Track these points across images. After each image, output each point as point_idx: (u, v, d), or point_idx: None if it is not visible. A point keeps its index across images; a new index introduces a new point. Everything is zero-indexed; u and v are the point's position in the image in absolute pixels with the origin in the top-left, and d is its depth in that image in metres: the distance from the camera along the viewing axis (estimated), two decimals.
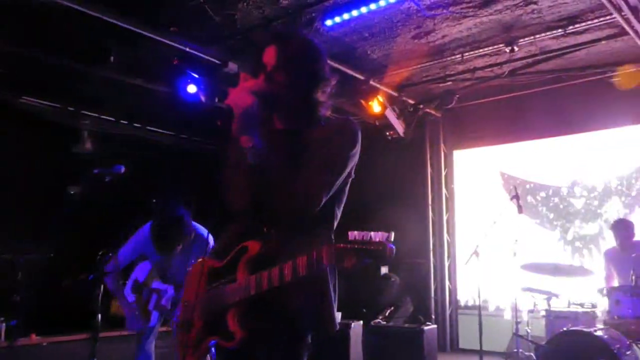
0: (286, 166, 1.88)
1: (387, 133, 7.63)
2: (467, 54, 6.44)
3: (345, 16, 5.15)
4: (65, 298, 7.33)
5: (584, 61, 6.66)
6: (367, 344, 6.07)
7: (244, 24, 5.80)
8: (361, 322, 6.18)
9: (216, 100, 6.23)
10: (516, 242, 5.83)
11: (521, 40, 6.04)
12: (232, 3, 5.44)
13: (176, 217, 3.93)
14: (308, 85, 2.00)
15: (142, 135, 8.43)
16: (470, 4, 5.44)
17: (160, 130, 8.66)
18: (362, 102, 7.17)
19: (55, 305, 6.86)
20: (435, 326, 6.28)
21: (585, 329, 4.66)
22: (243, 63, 5.93)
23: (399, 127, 7.57)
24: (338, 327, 1.93)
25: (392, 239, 1.56)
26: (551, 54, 6.43)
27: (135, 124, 8.30)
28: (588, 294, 5.72)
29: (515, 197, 5.79)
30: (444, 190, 8.58)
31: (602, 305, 5.31)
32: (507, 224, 5.95)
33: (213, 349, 1.95)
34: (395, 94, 7.49)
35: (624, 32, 5.51)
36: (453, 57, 6.55)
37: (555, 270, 5.41)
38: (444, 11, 5.45)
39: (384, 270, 7.65)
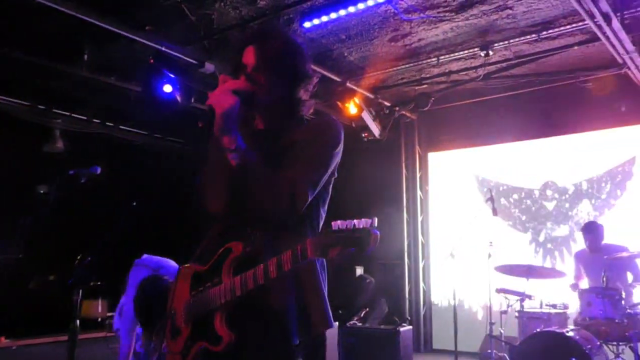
0: (270, 166, 1.85)
1: (363, 135, 7.66)
2: (442, 57, 6.50)
3: (324, 18, 5.15)
4: (35, 300, 7.22)
5: (556, 66, 6.78)
6: (342, 345, 6.07)
7: (220, 24, 5.76)
8: (337, 323, 6.18)
9: (192, 100, 6.18)
10: (491, 244, 5.90)
11: (496, 44, 6.12)
12: (209, 3, 5.41)
13: (156, 298, 3.66)
14: (289, 84, 1.98)
15: (115, 135, 8.32)
16: (447, 8, 5.49)
17: (134, 130, 8.56)
18: (339, 103, 7.19)
19: (24, 307, 6.73)
20: (410, 327, 6.33)
21: (558, 330, 4.73)
22: (220, 63, 5.89)
23: (375, 129, 7.60)
24: (333, 325, 1.90)
25: (376, 225, 1.53)
26: (525, 59, 6.53)
27: (108, 123, 8.19)
28: (560, 295, 5.83)
29: (490, 199, 5.86)
30: (418, 192, 8.65)
31: (574, 306, 5.40)
32: (481, 226, 6.02)
33: None
34: (371, 96, 7.52)
35: (595, 38, 5.62)
36: (429, 60, 6.61)
37: (529, 271, 5.49)
38: (421, 15, 5.49)
39: (359, 271, 7.67)
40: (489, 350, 5.69)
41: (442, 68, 6.94)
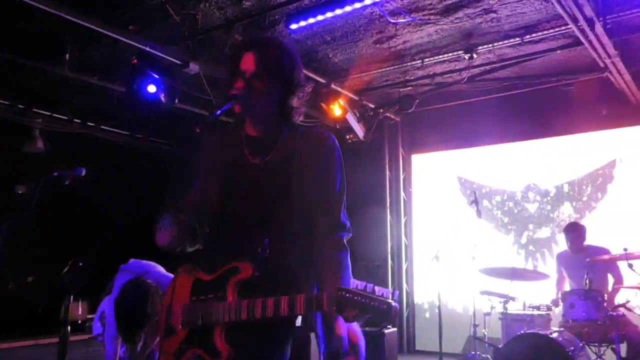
0: (270, 174, 1.90)
1: (347, 136, 7.65)
2: (427, 59, 6.52)
3: (311, 20, 5.13)
4: (13, 301, 7.10)
5: (539, 69, 6.84)
6: None
7: (205, 25, 5.72)
8: None
9: (176, 101, 6.12)
10: (475, 246, 5.93)
11: (480, 47, 6.16)
12: (193, 3, 5.36)
13: (137, 302, 3.62)
14: (285, 91, 2.03)
15: (96, 135, 8.21)
16: (432, 11, 5.51)
17: (116, 130, 8.46)
18: (323, 105, 7.17)
19: (2, 309, 6.61)
20: (395, 329, 6.34)
21: (541, 332, 4.77)
22: (204, 63, 5.84)
23: (359, 130, 7.60)
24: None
25: (397, 297, 1.55)
26: (508, 62, 6.58)
27: (89, 123, 8.08)
28: (542, 297, 5.88)
29: (475, 201, 5.89)
30: (402, 194, 8.67)
31: (557, 308, 5.46)
32: (465, 228, 6.05)
33: None
34: (355, 97, 7.53)
35: (578, 43, 5.67)
36: (413, 63, 6.63)
37: (513, 274, 5.53)
38: (407, 18, 5.50)
39: None
40: (472, 352, 5.71)
41: (426, 70, 6.97)
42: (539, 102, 7.24)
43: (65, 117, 7.78)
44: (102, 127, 8.25)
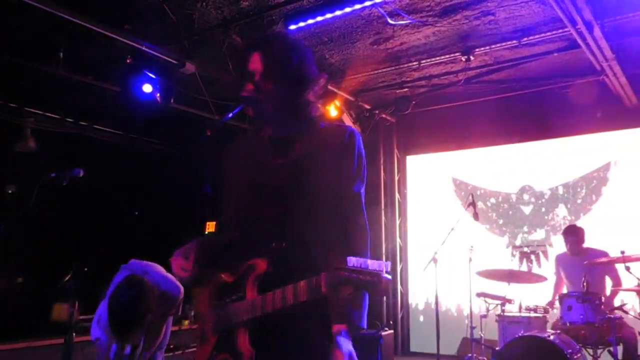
0: (293, 174, 1.87)
1: None
2: (423, 61, 6.51)
3: (310, 21, 5.09)
4: (1, 303, 7.00)
5: (535, 72, 6.86)
6: None
7: (202, 24, 5.67)
8: None
9: (172, 101, 6.07)
10: (471, 248, 5.93)
11: (477, 49, 6.16)
12: (190, 3, 5.31)
13: (131, 299, 3.52)
14: (297, 88, 1.97)
15: (88, 134, 8.13)
16: (430, 13, 5.50)
17: (108, 130, 8.38)
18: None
19: None
20: (392, 331, 6.34)
21: (540, 335, 4.78)
22: (200, 63, 5.80)
23: None
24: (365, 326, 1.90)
25: (389, 269, 1.50)
26: (505, 64, 6.59)
27: (82, 123, 8.00)
28: (537, 298, 5.89)
29: (472, 204, 5.89)
30: (396, 195, 8.66)
31: (554, 310, 5.47)
32: (462, 231, 6.04)
33: None
34: (351, 98, 7.51)
35: (575, 45, 5.69)
36: (410, 64, 6.62)
37: (510, 276, 5.53)
38: (407, 19, 5.47)
39: None
40: (470, 354, 5.71)
41: (422, 72, 6.96)
42: (534, 105, 7.26)
43: (58, 116, 7.69)
44: (95, 126, 8.16)
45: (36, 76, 6.37)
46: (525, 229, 7.48)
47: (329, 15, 4.98)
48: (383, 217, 8.55)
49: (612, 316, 4.79)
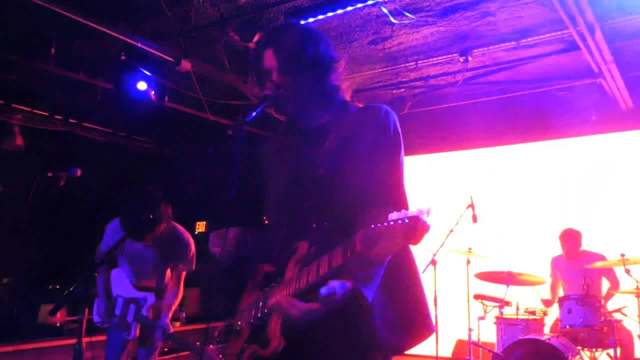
0: (333, 165, 1.80)
1: None
2: (421, 61, 6.46)
3: (310, 19, 5.00)
4: None
5: (532, 74, 6.84)
6: None
7: (198, 21, 5.57)
8: None
9: (166, 99, 5.96)
10: (470, 250, 5.89)
11: (475, 50, 6.12)
12: None
13: (145, 200, 3.83)
14: (317, 74, 1.90)
15: (77, 132, 7.97)
16: (430, 13, 5.45)
17: (98, 128, 8.22)
18: None
19: None
20: None
21: (540, 338, 4.76)
22: (196, 61, 5.69)
23: None
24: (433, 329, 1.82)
25: (429, 214, 1.38)
26: (502, 66, 6.56)
27: (71, 120, 7.83)
28: (533, 300, 5.87)
29: (471, 206, 5.85)
30: None
31: (553, 312, 5.45)
32: (459, 232, 5.99)
33: None
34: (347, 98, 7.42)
35: (573, 47, 5.68)
36: (407, 65, 6.57)
37: (509, 278, 5.50)
38: (407, 18, 5.41)
39: None
40: (468, 357, 5.66)
41: (419, 72, 6.91)
42: (531, 106, 7.24)
43: (46, 114, 7.52)
44: (84, 124, 8.01)
45: (25, 71, 6.23)
46: (522, 230, 7.44)
47: (330, 14, 4.90)
48: None
49: (611, 319, 4.78)
